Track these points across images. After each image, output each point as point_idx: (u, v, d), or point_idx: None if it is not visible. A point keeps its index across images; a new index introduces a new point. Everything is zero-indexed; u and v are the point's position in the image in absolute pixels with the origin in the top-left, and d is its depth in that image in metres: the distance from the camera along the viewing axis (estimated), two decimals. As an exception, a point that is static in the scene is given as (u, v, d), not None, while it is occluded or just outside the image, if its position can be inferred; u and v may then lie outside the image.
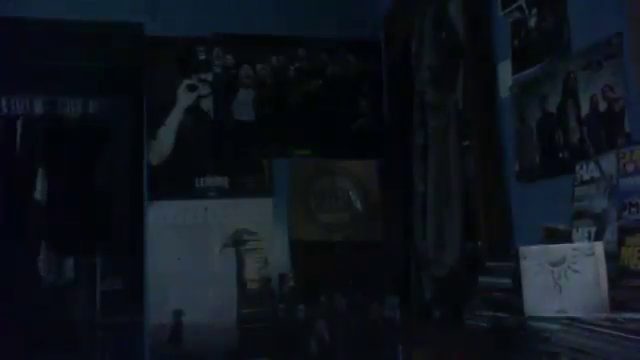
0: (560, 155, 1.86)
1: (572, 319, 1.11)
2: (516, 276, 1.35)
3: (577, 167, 1.61)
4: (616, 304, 1.20)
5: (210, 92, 3.12)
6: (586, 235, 1.50)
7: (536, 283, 1.28)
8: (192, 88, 3.11)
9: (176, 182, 3.00)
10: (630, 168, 1.40)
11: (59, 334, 2.82)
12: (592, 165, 1.55)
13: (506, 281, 1.45)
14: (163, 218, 2.96)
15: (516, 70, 2.10)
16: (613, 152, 1.49)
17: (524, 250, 1.33)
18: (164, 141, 3.03)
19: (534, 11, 2.00)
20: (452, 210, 2.50)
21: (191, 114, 3.09)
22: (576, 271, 1.22)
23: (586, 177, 1.56)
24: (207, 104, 3.12)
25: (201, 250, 2.99)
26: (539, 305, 1.26)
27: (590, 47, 1.73)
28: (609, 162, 1.48)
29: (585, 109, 1.75)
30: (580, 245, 1.32)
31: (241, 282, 3.00)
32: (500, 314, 1.40)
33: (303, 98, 3.22)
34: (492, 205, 2.21)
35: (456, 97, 2.57)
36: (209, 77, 3.13)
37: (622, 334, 0.97)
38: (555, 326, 1.12)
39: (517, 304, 1.33)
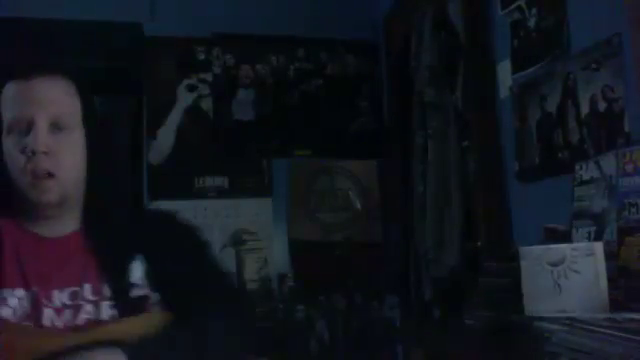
0: (560, 155, 1.86)
1: (572, 319, 1.11)
2: (516, 276, 1.34)
3: (577, 167, 1.61)
4: (616, 304, 1.20)
5: (210, 92, 3.12)
6: (586, 235, 1.50)
7: (536, 283, 1.28)
8: (192, 88, 3.11)
9: (176, 182, 3.00)
10: (629, 168, 1.40)
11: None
12: (592, 165, 1.55)
13: (506, 281, 1.45)
14: (163, 218, 2.96)
15: (516, 70, 2.10)
16: (613, 152, 1.49)
17: (524, 250, 1.33)
18: (164, 141, 3.03)
19: (534, 11, 2.00)
20: (452, 210, 2.50)
21: (191, 114, 3.09)
22: (576, 271, 1.22)
23: (586, 177, 1.56)
24: (207, 104, 3.12)
25: (201, 250, 2.98)
26: (539, 305, 1.26)
27: (590, 47, 1.73)
28: (609, 162, 1.48)
29: (585, 109, 1.75)
30: (580, 245, 1.32)
31: (241, 282, 2.99)
32: (500, 314, 1.40)
33: (303, 98, 3.22)
34: (492, 205, 2.21)
35: (456, 97, 2.57)
36: (209, 77, 3.14)
37: (622, 334, 0.97)
38: (555, 326, 1.12)
39: (517, 304, 1.33)
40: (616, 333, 0.99)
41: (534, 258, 1.29)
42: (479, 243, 2.31)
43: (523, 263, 1.31)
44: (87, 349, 1.00)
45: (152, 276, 1.19)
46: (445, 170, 2.55)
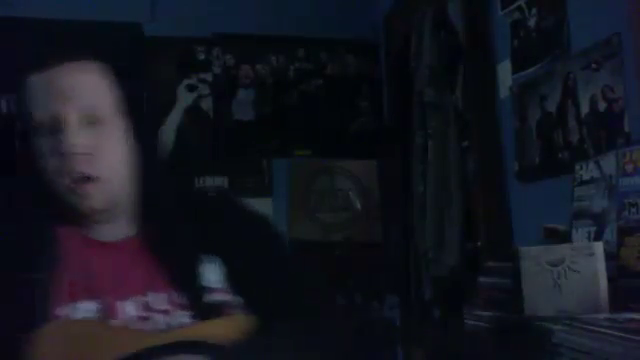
0: (560, 155, 1.86)
1: (572, 319, 1.11)
2: (516, 276, 1.35)
3: (577, 167, 1.61)
4: (616, 304, 1.20)
5: (210, 92, 3.12)
6: (586, 235, 1.50)
7: (536, 283, 1.28)
8: (192, 88, 3.11)
9: (176, 182, 3.00)
10: (629, 168, 1.39)
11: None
12: (592, 165, 1.55)
13: (506, 281, 1.45)
14: (163, 218, 2.96)
15: (516, 70, 2.10)
16: (613, 152, 1.49)
17: (524, 250, 1.33)
18: (164, 141, 3.03)
19: (534, 11, 2.00)
20: (452, 210, 2.50)
21: (191, 114, 3.09)
22: (576, 271, 1.22)
23: (586, 177, 1.56)
24: (207, 104, 3.12)
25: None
26: (539, 305, 1.26)
27: (590, 47, 1.73)
28: (609, 162, 1.48)
29: (585, 109, 1.75)
30: (580, 245, 1.32)
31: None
32: (500, 314, 1.40)
33: (303, 98, 3.22)
34: (492, 205, 2.21)
35: (456, 97, 2.57)
36: (209, 77, 3.13)
37: (622, 334, 0.97)
38: (555, 326, 1.12)
39: (517, 304, 1.33)
40: (616, 333, 0.99)
41: (534, 258, 1.29)
42: (479, 243, 2.31)
43: (523, 263, 1.31)
44: (168, 353, 0.89)
45: (230, 277, 1.04)
46: (445, 170, 2.55)
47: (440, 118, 2.60)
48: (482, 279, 1.59)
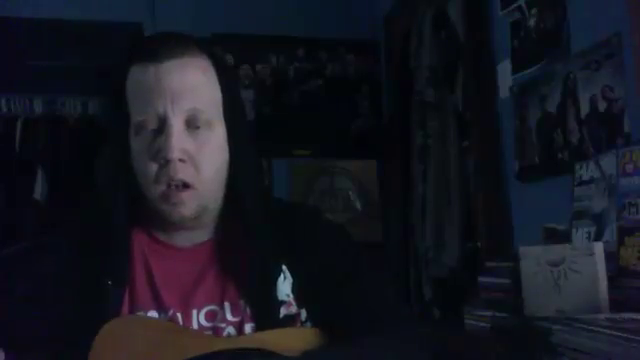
0: (560, 155, 1.86)
1: (572, 319, 1.11)
2: (516, 276, 1.35)
3: (577, 167, 1.61)
4: (616, 304, 1.20)
5: (210, 92, 3.12)
6: (585, 235, 1.50)
7: (536, 283, 1.28)
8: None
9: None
10: (629, 168, 1.39)
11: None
12: (592, 165, 1.55)
13: (506, 281, 1.45)
14: (163, 218, 2.95)
15: (516, 70, 2.10)
16: (612, 152, 1.49)
17: (524, 250, 1.33)
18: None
19: (534, 11, 2.00)
20: (452, 210, 2.50)
21: (191, 114, 3.09)
22: (576, 271, 1.22)
23: (585, 177, 1.56)
24: (207, 104, 3.11)
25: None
26: (539, 305, 1.26)
27: (590, 47, 1.73)
28: (608, 162, 1.48)
29: (585, 109, 1.75)
30: (580, 245, 1.32)
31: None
32: (500, 314, 1.40)
33: (303, 98, 3.22)
34: (492, 205, 2.21)
35: (456, 97, 2.57)
36: (209, 77, 3.13)
37: (622, 334, 0.97)
38: (555, 326, 1.12)
39: (517, 304, 1.33)
40: (616, 333, 0.99)
41: (534, 258, 1.29)
42: (479, 243, 2.31)
43: (523, 263, 1.31)
44: (236, 358, 0.86)
45: (300, 291, 0.98)
46: (445, 170, 2.55)
47: (440, 118, 2.60)
48: (482, 279, 1.59)
